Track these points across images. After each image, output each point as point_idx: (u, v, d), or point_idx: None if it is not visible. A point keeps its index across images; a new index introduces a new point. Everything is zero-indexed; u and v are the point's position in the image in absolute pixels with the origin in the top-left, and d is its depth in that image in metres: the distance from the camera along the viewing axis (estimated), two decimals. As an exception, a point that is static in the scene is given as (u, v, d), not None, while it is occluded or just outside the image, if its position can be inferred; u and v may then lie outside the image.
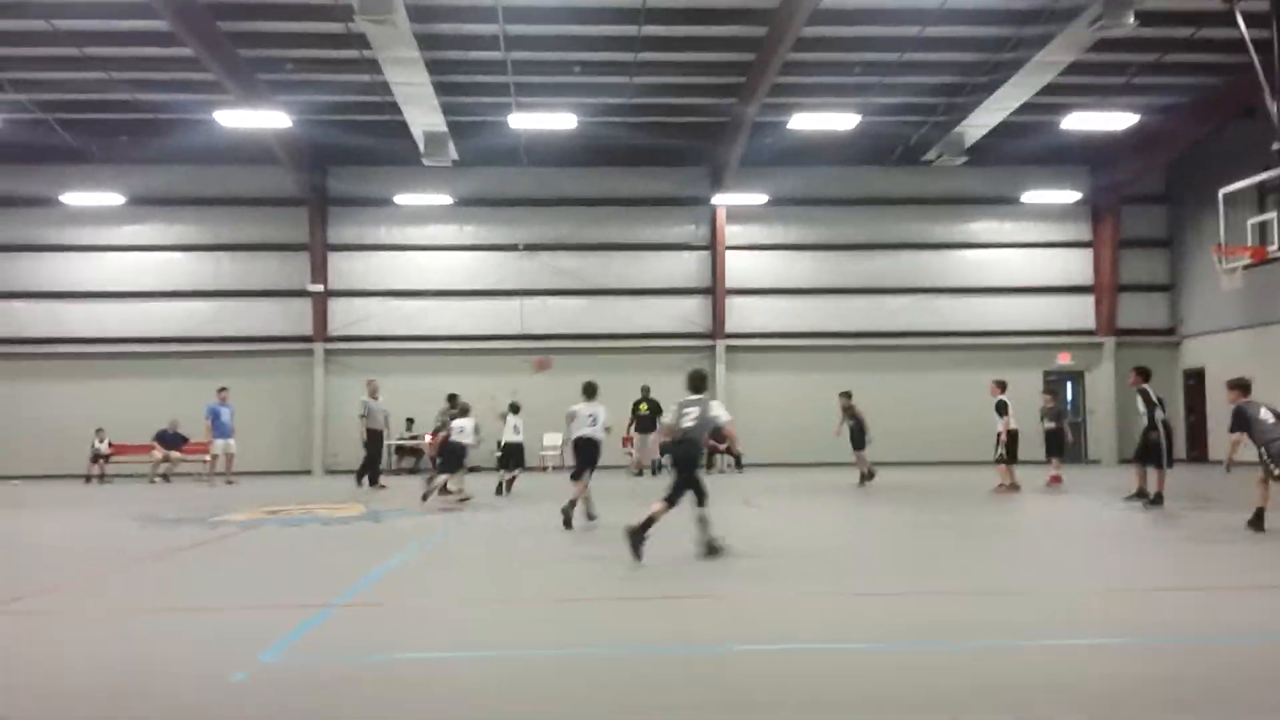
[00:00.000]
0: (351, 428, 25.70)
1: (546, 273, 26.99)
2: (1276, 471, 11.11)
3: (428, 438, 25.71)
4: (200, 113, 22.14)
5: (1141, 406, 14.47)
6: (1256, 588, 8.07)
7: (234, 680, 5.46)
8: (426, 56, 19.00)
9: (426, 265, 26.95)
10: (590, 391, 13.67)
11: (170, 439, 23.85)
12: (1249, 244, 16.35)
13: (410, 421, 25.79)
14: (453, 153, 23.33)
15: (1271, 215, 15.84)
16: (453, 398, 18.99)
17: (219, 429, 21.46)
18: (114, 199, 25.82)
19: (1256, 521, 11.12)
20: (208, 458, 22.44)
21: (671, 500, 9.68)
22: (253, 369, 25.97)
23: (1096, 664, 5.73)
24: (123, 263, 26.64)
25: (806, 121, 22.21)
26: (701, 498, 9.77)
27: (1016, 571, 9.25)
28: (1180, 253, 27.34)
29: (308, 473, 25.76)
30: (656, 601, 7.73)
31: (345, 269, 26.88)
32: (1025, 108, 21.88)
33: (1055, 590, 8.03)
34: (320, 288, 26.38)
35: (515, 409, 18.57)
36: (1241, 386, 11.81)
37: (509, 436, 18.46)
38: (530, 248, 26.95)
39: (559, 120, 22.10)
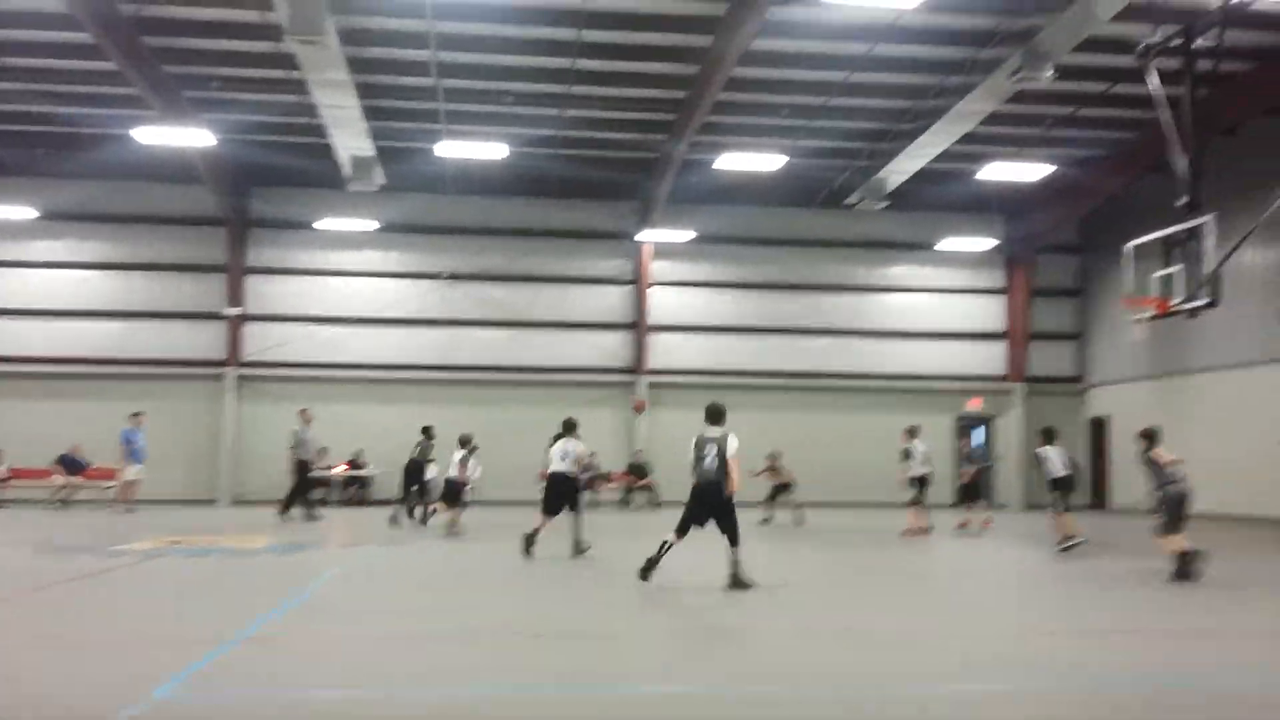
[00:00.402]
0: (264, 456, 25.25)
1: (471, 303, 26.77)
2: (1164, 519, 11.25)
3: (343, 467, 25.29)
4: (120, 128, 21.59)
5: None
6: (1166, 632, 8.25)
7: (123, 716, 5.21)
8: (356, 80, 18.81)
9: (348, 291, 26.53)
10: (569, 428, 13.72)
11: (72, 463, 23.01)
12: (1154, 297, 16.84)
13: (323, 451, 25.26)
14: (380, 178, 23.08)
15: (1176, 269, 16.34)
16: (427, 430, 19.29)
17: (134, 455, 20.76)
18: (27, 213, 24.95)
19: (1183, 570, 11.04)
20: (112, 484, 21.69)
21: (735, 540, 9.84)
22: (161, 392, 25.20)
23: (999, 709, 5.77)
24: (32, 279, 25.69)
25: (734, 161, 22.48)
26: (735, 537, 9.88)
27: (932, 614, 9.32)
28: (1089, 303, 28.18)
29: (213, 502, 25.01)
30: (569, 638, 7.61)
31: (264, 292, 26.33)
32: (945, 155, 22.41)
33: (969, 633, 8.10)
34: (237, 311, 25.78)
35: (464, 443, 18.08)
36: (1150, 436, 12.00)
37: (453, 472, 17.88)
38: (455, 277, 26.72)
39: (489, 149, 21.99)
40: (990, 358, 28.30)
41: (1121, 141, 23.08)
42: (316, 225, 25.67)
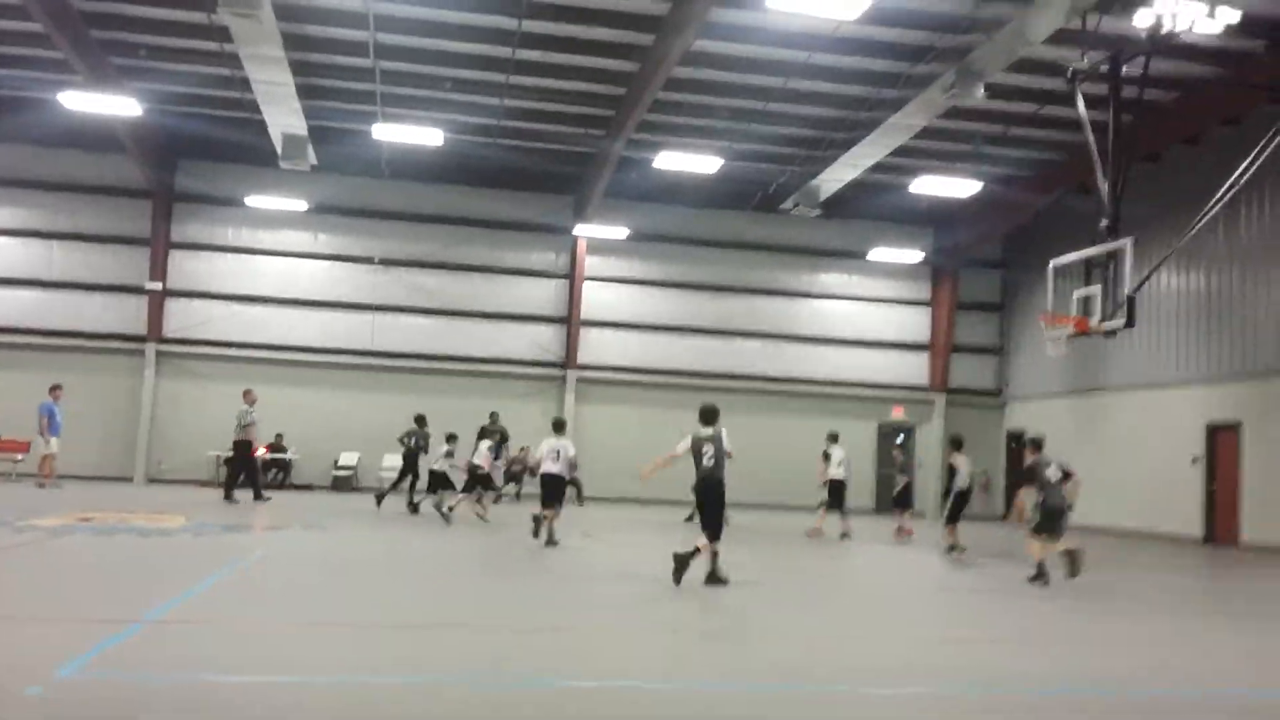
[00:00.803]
0: (183, 435, 24.78)
1: (401, 289, 26.51)
2: (1044, 526, 11.84)
3: (262, 450, 24.87)
4: (45, 92, 20.99)
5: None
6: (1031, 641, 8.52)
7: (27, 694, 5.11)
8: (291, 57, 18.51)
9: (275, 271, 26.09)
10: (558, 427, 14.13)
11: (-20, 434, 22.33)
12: (1074, 315, 17.30)
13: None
14: (312, 157, 22.73)
15: (1095, 289, 16.81)
16: (421, 418, 19.58)
17: (54, 428, 20.22)
18: (-61, 176, 24.13)
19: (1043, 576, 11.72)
20: (21, 456, 21.10)
21: (714, 536, 10.17)
22: (79, 366, 24.51)
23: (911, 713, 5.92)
24: (-59, 243, 24.89)
25: (672, 160, 22.60)
26: (717, 533, 10.18)
27: (856, 615, 9.51)
28: (1010, 318, 28.85)
29: (128, 480, 24.44)
30: (481, 630, 7.61)
31: (187, 269, 25.77)
32: (878, 167, 22.78)
33: (889, 635, 8.29)
34: (159, 286, 25.19)
35: (451, 438, 18.29)
36: (1034, 444, 12.64)
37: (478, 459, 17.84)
38: (386, 262, 26.44)
39: (425, 135, 21.80)
40: (914, 367, 28.84)
41: (1047, 162, 23.67)
42: (245, 202, 25.21)
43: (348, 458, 25.40)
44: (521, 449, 24.08)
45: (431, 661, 6.45)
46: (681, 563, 9.97)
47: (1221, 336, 21.16)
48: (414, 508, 18.57)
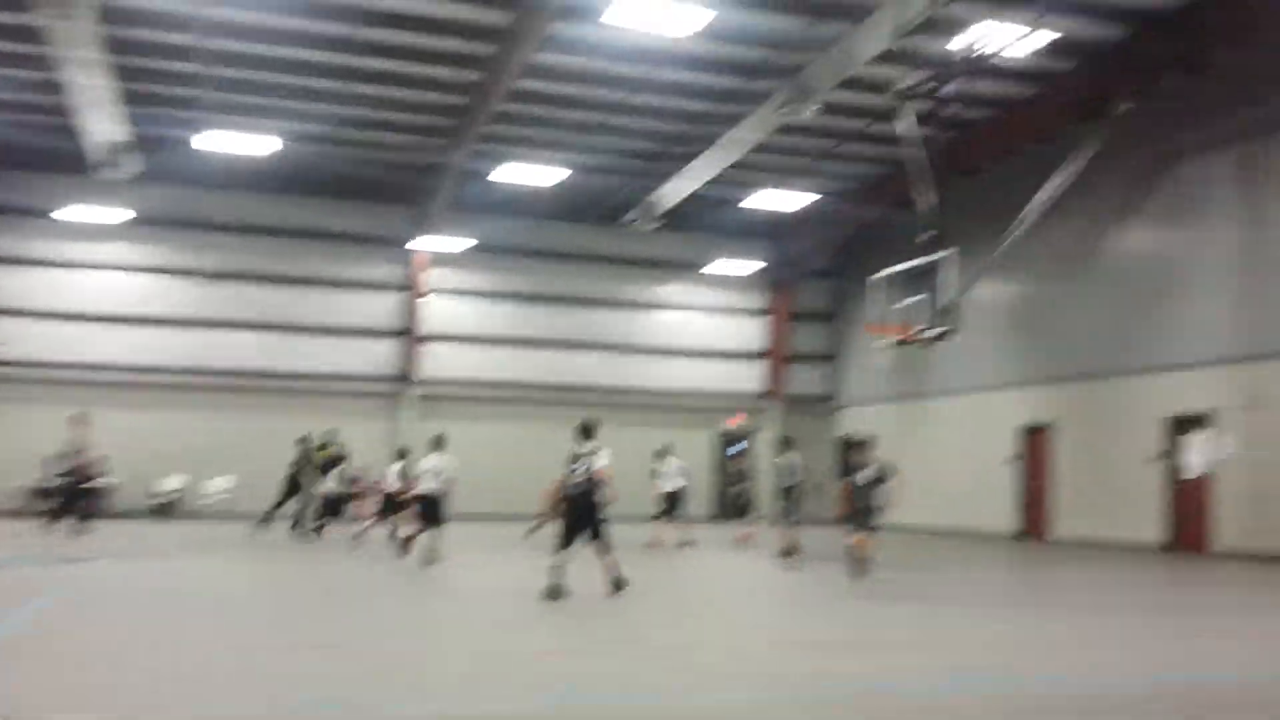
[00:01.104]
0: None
1: (231, 303, 25.48)
2: (856, 523, 12.84)
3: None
4: None
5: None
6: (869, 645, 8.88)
7: None
8: (114, 61, 17.63)
9: (93, 286, 24.65)
10: (438, 443, 14.04)
11: None
12: (898, 324, 18.12)
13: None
14: (134, 165, 21.67)
15: (919, 299, 17.67)
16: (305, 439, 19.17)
17: None
18: None
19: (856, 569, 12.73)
20: None
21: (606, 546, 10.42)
22: None
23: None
24: None
25: (514, 172, 22.58)
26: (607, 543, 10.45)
27: (684, 624, 9.64)
28: (842, 327, 29.94)
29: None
30: (285, 652, 7.36)
31: (-3, 284, 24.10)
32: (717, 180, 23.30)
33: (717, 644, 8.45)
34: (-40, 302, 23.46)
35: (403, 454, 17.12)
36: (859, 446, 13.86)
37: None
38: (215, 276, 25.38)
39: (257, 143, 21.13)
40: (751, 376, 29.56)
41: (875, 177, 24.71)
42: (58, 214, 23.75)
43: (171, 482, 24.18)
44: (360, 468, 23.43)
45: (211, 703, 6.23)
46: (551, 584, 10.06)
47: (1036, 343, 22.52)
48: (315, 530, 18.04)
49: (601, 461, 10.52)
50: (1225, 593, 13.08)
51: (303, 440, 19.40)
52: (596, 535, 10.42)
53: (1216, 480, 17.98)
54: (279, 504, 19.08)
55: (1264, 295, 17.36)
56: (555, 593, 10.04)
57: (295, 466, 19.38)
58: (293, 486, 19.25)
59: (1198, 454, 18.41)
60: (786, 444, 16.71)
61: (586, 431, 10.88)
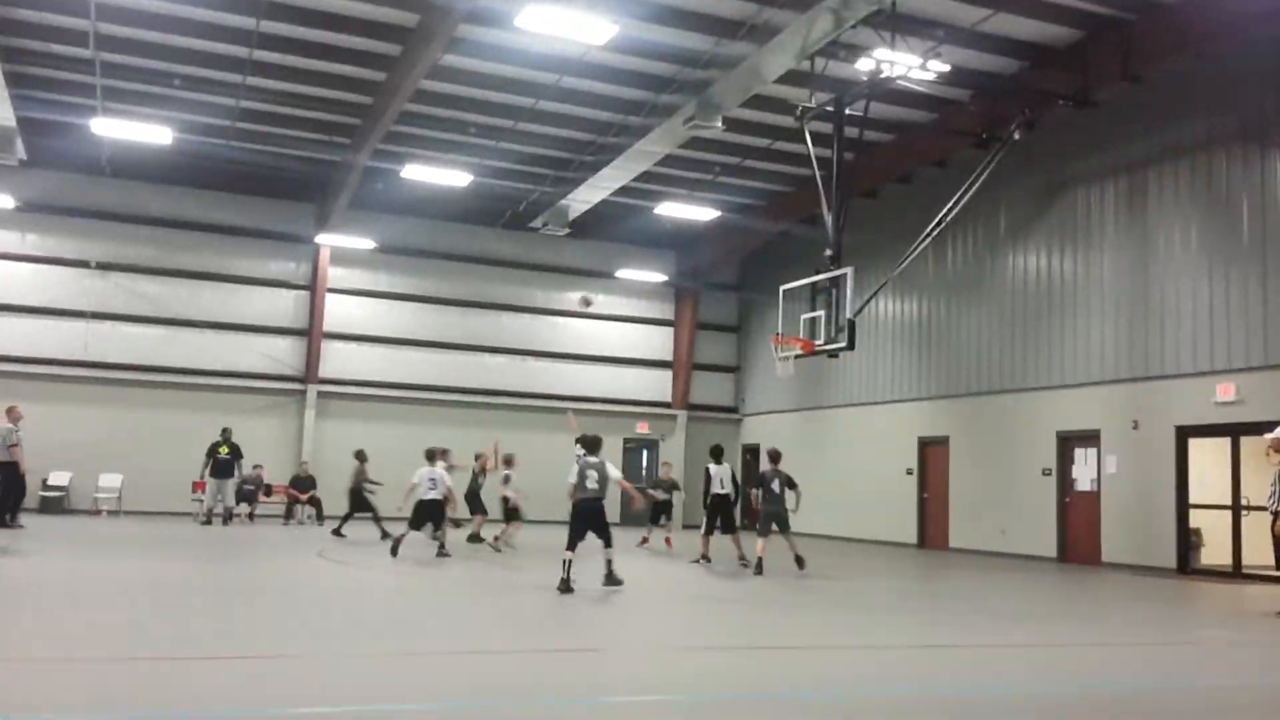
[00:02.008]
0: None
1: (120, 295, 24.69)
2: (760, 529, 14.61)
3: None
4: None
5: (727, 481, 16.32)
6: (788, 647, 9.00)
7: None
8: (1, 43, 16.96)
9: (-25, 273, 23.70)
10: (430, 456, 15.15)
11: None
12: (800, 337, 18.41)
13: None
14: (21, 151, 20.88)
15: (820, 313, 17.98)
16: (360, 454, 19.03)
17: None
18: None
19: (758, 568, 14.22)
20: None
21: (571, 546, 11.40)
22: None
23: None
24: None
25: (420, 173, 22.33)
26: (609, 540, 11.60)
27: (589, 630, 9.66)
28: (746, 339, 30.29)
29: None
30: (206, 661, 7.21)
31: None
32: (625, 190, 23.38)
33: (619, 648, 8.47)
34: None
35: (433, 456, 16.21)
36: (771, 456, 15.20)
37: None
38: (104, 266, 24.57)
39: (151, 133, 20.53)
40: (658, 384, 29.71)
41: (779, 193, 25.05)
42: (-62, 197, 22.80)
43: (58, 477, 23.33)
44: (255, 466, 22.98)
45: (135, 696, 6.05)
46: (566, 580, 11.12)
47: (931, 359, 23.08)
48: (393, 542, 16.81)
49: (616, 473, 11.74)
50: (1114, 604, 13.54)
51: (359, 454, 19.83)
52: (605, 536, 11.50)
53: (1103, 496, 18.64)
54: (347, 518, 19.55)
55: (1147, 320, 18.05)
56: (565, 586, 11.03)
57: (356, 480, 19.95)
58: (358, 502, 19.76)
59: (1085, 470, 19.11)
60: (717, 454, 16.79)
61: (593, 445, 11.94)
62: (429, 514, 15.23)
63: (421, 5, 16.28)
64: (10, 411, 17.97)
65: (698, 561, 15.87)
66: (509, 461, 17.79)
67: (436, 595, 11.87)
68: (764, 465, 14.82)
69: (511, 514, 17.71)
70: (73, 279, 24.35)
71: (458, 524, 17.37)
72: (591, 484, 11.46)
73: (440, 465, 15.67)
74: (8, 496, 17.77)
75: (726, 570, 15.02)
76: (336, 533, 19.09)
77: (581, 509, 11.48)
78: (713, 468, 16.38)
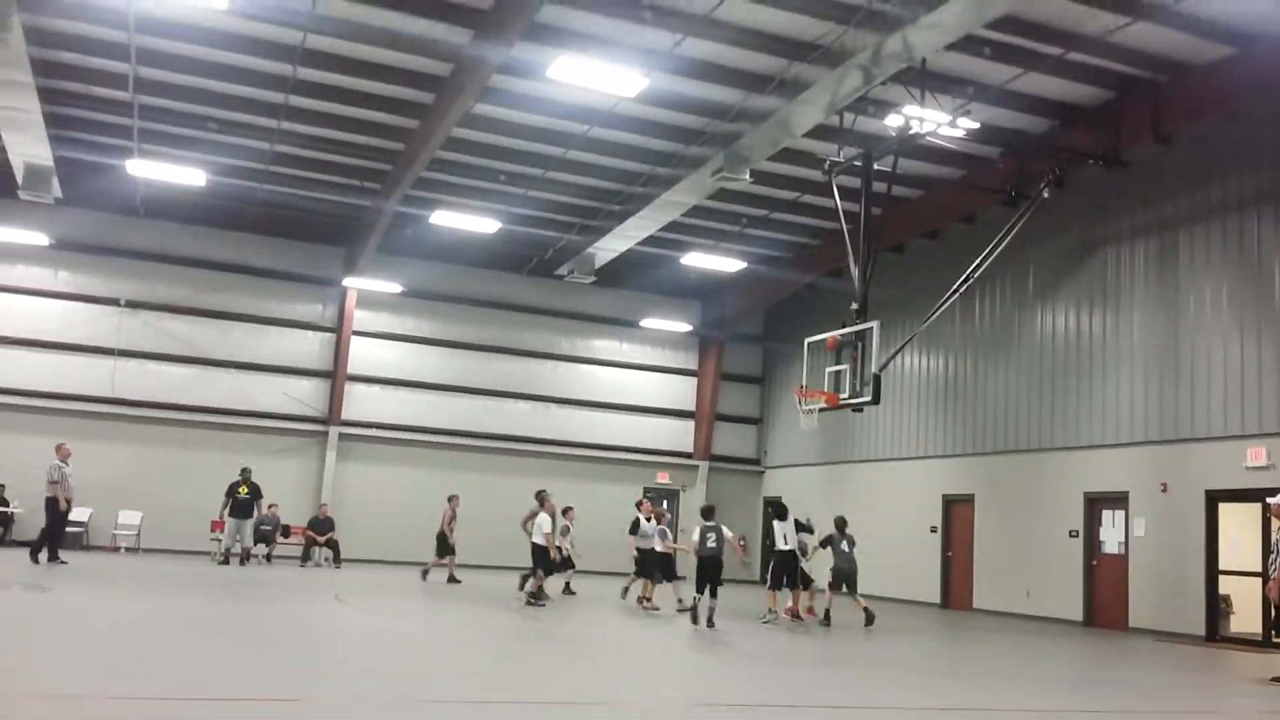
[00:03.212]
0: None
1: (149, 334, 24.90)
2: (832, 585, 16.16)
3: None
4: None
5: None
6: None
7: None
8: (40, 84, 17.28)
9: (5, 309, 23.95)
10: (540, 499, 16.26)
11: None
12: (825, 390, 18.30)
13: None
14: (56, 190, 21.21)
15: (845, 367, 17.88)
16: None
17: None
18: None
19: (825, 619, 15.86)
20: None
21: (713, 593, 13.97)
22: None
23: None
24: None
25: (448, 219, 22.52)
26: (716, 592, 14.03)
27: (594, 682, 9.51)
28: (770, 390, 30.17)
29: None
30: (228, 702, 7.13)
31: (-99, 302, 23.30)
32: (651, 240, 23.46)
33: (621, 703, 8.33)
34: None
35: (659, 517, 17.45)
36: (838, 523, 16.73)
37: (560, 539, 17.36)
38: (134, 305, 24.81)
39: (185, 175, 20.84)
40: (679, 434, 29.59)
41: (805, 246, 25.06)
42: (-26, 234, 23.14)
43: (78, 513, 23.30)
44: (271, 506, 22.97)
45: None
46: (692, 610, 14.23)
47: (957, 416, 22.87)
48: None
49: (728, 534, 14.49)
50: (1142, 670, 13.23)
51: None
52: (715, 589, 13.93)
53: (1131, 559, 18.32)
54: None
55: (1177, 381, 17.84)
56: (695, 618, 14.03)
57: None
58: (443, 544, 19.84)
59: (1113, 532, 18.80)
60: (782, 511, 16.69)
61: (708, 513, 14.74)
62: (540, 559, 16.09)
63: (456, 55, 16.49)
64: (59, 449, 18.18)
65: (766, 620, 15.60)
66: (565, 513, 17.87)
67: (457, 642, 11.75)
68: (829, 530, 16.80)
69: (565, 563, 17.84)
70: (102, 317, 24.59)
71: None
72: (711, 544, 14.11)
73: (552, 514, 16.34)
74: (48, 533, 17.86)
75: (790, 627, 14.89)
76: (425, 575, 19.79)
77: (705, 563, 14.13)
78: (777, 524, 16.42)
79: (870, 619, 15.80)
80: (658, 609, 16.18)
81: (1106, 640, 16.74)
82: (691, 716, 7.93)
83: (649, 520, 17.14)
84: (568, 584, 18.35)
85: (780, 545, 16.16)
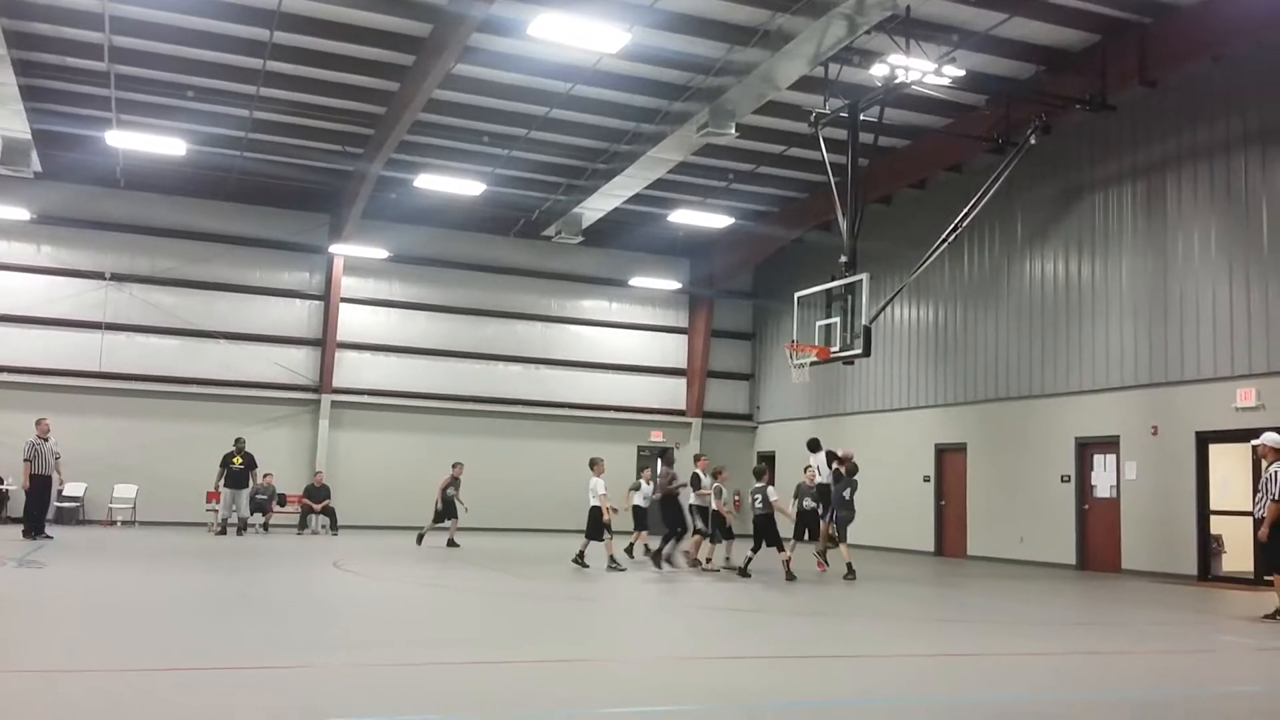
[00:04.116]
0: None
1: (135, 306, 24.73)
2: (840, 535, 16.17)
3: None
4: None
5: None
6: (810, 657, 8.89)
7: None
8: (15, 56, 17.02)
9: (-8, 286, 23.78)
10: (759, 474, 15.78)
11: None
12: (816, 344, 18.31)
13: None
14: (35, 164, 20.97)
15: (835, 320, 17.86)
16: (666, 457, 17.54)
17: None
18: None
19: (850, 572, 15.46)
20: None
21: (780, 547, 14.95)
22: None
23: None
24: None
25: (433, 182, 22.35)
26: (776, 543, 14.95)
27: (592, 640, 9.57)
28: (761, 346, 30.19)
29: None
30: (234, 671, 7.16)
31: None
32: (638, 198, 23.33)
33: (623, 659, 8.39)
34: None
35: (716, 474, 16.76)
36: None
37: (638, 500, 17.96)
38: (119, 278, 24.63)
39: (165, 144, 20.62)
40: (672, 392, 29.62)
41: (793, 200, 24.96)
42: (-46, 210, 22.88)
43: (73, 488, 23.36)
44: (266, 476, 22.97)
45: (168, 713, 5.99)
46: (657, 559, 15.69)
47: (948, 365, 22.93)
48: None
49: (774, 495, 15.10)
50: (1136, 611, 13.39)
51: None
52: (761, 544, 14.88)
53: (1123, 502, 18.47)
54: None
55: (1166, 324, 17.89)
56: (744, 573, 14.95)
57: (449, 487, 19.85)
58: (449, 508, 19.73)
59: (1104, 476, 18.94)
60: (758, 474, 16.05)
61: (759, 473, 15.50)
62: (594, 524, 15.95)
63: (434, 15, 16.29)
64: (38, 424, 18.12)
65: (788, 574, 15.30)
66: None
67: (457, 605, 11.80)
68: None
69: (726, 532, 16.66)
70: (87, 290, 24.41)
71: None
72: (759, 504, 14.92)
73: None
74: (26, 509, 17.94)
75: (767, 581, 14.86)
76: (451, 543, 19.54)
77: (758, 522, 14.97)
78: (813, 457, 16.97)
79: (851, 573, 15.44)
80: (718, 570, 16.02)
81: (1100, 583, 16.93)
82: (707, 669, 7.98)
83: (711, 478, 16.88)
84: (647, 547, 17.39)
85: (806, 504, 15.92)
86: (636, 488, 18.12)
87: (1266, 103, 16.60)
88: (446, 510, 19.76)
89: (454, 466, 20.24)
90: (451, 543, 19.53)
